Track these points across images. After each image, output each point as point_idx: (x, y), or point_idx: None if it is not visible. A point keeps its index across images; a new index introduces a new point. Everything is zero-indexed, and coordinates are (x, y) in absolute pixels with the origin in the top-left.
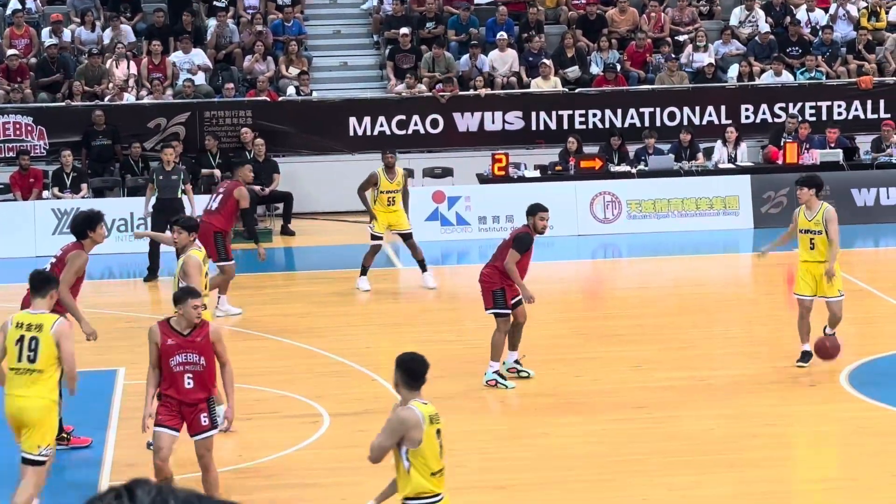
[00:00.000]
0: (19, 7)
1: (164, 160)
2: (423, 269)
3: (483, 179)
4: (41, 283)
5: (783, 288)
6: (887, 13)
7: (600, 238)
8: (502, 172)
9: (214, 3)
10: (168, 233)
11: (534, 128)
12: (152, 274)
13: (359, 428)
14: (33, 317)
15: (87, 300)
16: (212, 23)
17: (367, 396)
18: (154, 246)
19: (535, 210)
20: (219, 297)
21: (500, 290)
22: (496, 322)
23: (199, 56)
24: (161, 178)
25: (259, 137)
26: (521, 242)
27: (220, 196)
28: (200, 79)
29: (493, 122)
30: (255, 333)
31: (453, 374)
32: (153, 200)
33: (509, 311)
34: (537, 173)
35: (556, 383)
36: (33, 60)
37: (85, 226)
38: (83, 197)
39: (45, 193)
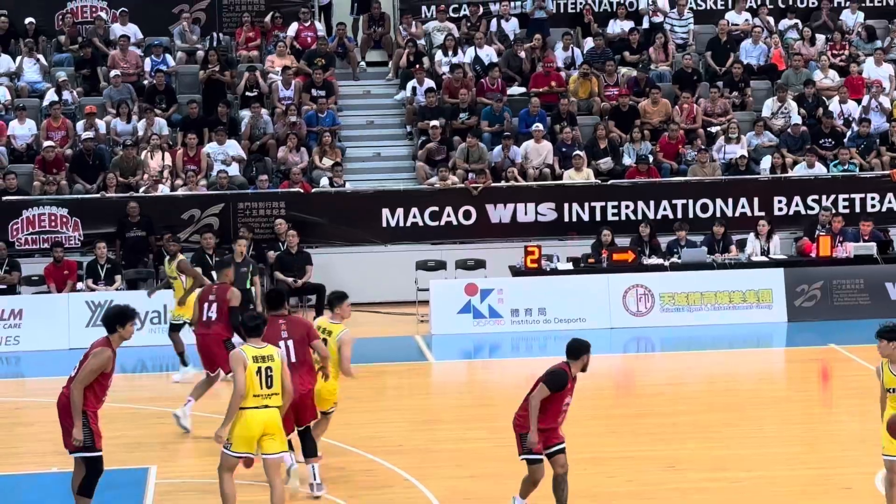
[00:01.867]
0: (56, 99)
1: (237, 251)
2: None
3: (515, 272)
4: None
5: (817, 385)
6: None
7: (633, 331)
8: (535, 265)
9: (248, 94)
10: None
11: (566, 219)
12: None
13: None
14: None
15: (119, 394)
16: (245, 114)
17: (399, 497)
18: None
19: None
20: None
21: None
22: (528, 469)
23: (233, 147)
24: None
25: (292, 229)
26: (556, 379)
27: (215, 304)
28: (234, 170)
29: (525, 214)
30: None
31: (484, 474)
32: None
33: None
34: (570, 265)
35: (590, 483)
36: (69, 152)
37: (116, 321)
38: (117, 289)
39: (80, 285)
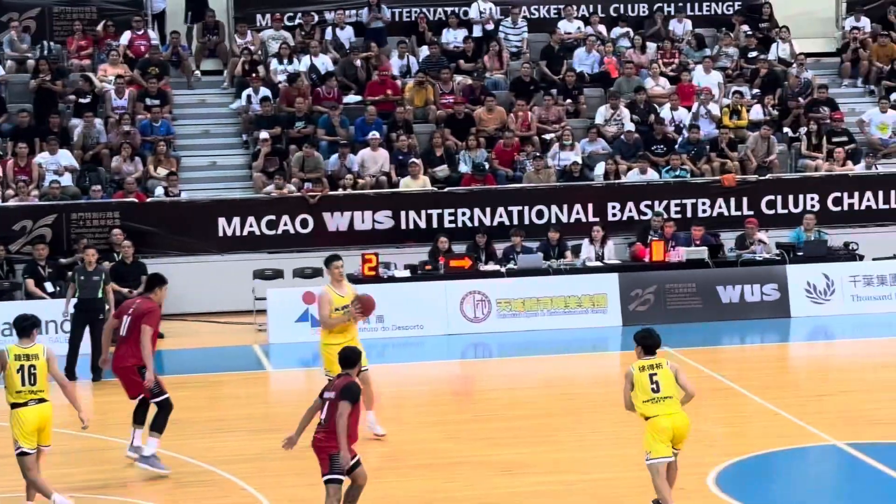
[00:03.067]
0: None
1: (86, 261)
2: None
3: (353, 279)
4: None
5: None
6: (748, 112)
7: (471, 337)
8: (372, 272)
9: (80, 101)
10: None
11: (403, 227)
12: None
13: None
14: None
15: None
16: (78, 123)
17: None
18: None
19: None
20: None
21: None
22: (327, 489)
23: (65, 157)
24: (83, 278)
25: (127, 239)
26: (354, 391)
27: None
28: (67, 180)
29: (362, 222)
30: (116, 440)
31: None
32: (74, 300)
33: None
34: (407, 273)
35: (427, 488)
36: None
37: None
38: None
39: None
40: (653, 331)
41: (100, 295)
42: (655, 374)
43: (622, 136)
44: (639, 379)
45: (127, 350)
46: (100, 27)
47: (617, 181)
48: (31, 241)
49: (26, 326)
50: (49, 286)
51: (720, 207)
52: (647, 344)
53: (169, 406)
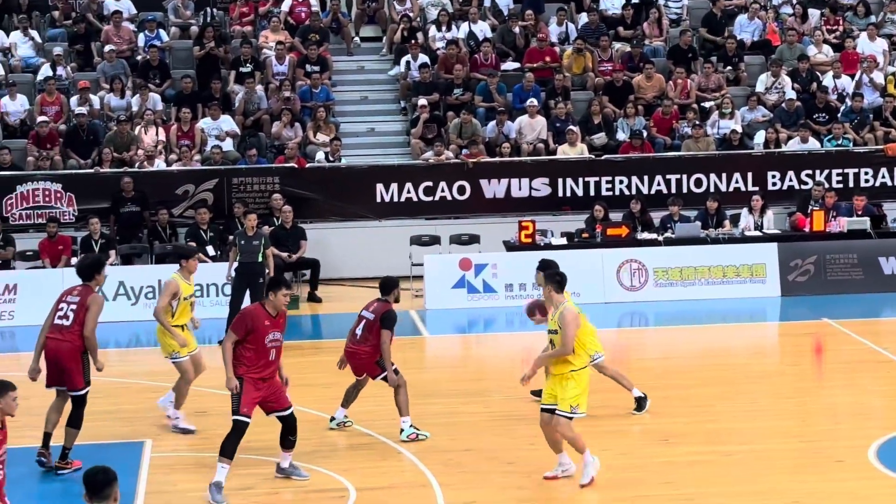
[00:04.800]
0: (50, 74)
1: (247, 226)
2: None
3: (510, 247)
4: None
5: (810, 359)
6: None
7: (626, 306)
8: (529, 240)
9: (242, 69)
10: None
11: (560, 194)
12: None
13: (385, 502)
14: None
15: (113, 369)
16: (239, 89)
17: (394, 470)
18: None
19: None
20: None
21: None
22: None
23: (227, 122)
24: (243, 242)
25: (287, 204)
26: (392, 318)
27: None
28: (228, 145)
29: (519, 189)
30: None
31: (478, 448)
32: (235, 264)
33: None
34: (564, 240)
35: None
36: (63, 127)
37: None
38: (111, 264)
39: (73, 260)
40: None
41: (260, 259)
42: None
43: (783, 104)
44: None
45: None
46: None
47: (777, 150)
48: (193, 205)
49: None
50: (210, 250)
51: (883, 177)
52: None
53: (241, 430)
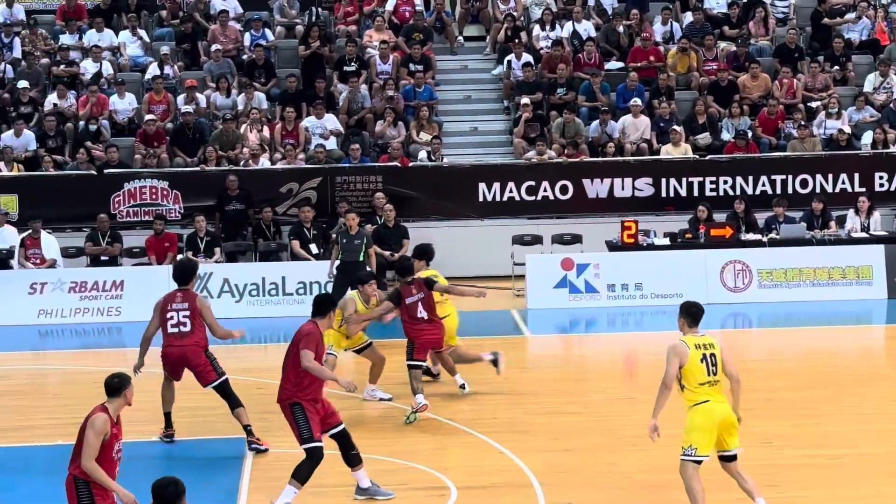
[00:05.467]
0: (158, 73)
1: (349, 224)
2: None
3: (612, 247)
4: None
5: None
6: None
7: (730, 307)
8: (631, 240)
9: (346, 69)
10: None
11: (664, 194)
12: None
13: (486, 501)
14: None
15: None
16: (343, 88)
17: (493, 469)
18: None
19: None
20: None
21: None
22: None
23: (331, 121)
24: (345, 241)
25: (389, 203)
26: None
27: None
28: (332, 144)
29: (622, 189)
30: (383, 404)
31: (579, 448)
32: (337, 262)
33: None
34: (667, 241)
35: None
36: (169, 125)
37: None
38: (216, 261)
39: (179, 257)
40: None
41: (361, 258)
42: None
43: (891, 104)
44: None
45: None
46: None
47: (885, 150)
48: (297, 203)
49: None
50: (314, 248)
51: None
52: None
53: (319, 456)
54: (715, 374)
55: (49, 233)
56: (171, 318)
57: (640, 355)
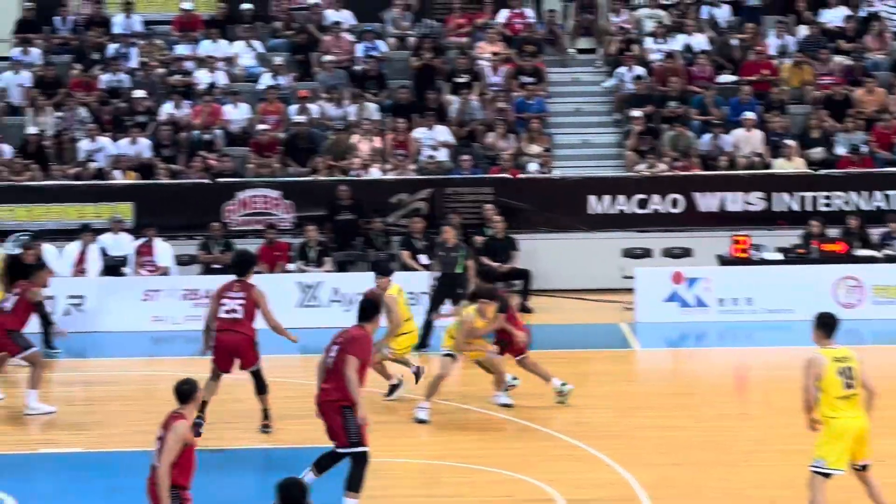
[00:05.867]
0: (271, 83)
1: (446, 237)
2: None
3: (723, 261)
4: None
5: None
6: None
7: (842, 323)
8: (743, 254)
9: (457, 80)
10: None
11: (776, 209)
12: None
13: None
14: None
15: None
16: (455, 99)
17: (602, 482)
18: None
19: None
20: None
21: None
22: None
23: (442, 132)
24: (442, 253)
25: (499, 214)
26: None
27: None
28: (443, 155)
29: (734, 203)
30: (489, 413)
31: (688, 462)
32: (437, 274)
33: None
34: (779, 256)
35: (797, 474)
36: (282, 135)
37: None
38: (326, 271)
39: (290, 266)
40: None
41: (459, 270)
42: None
43: None
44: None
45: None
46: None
47: None
48: (407, 213)
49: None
50: (423, 258)
51: None
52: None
53: (366, 460)
54: (852, 388)
55: (163, 241)
56: (224, 304)
57: (751, 370)
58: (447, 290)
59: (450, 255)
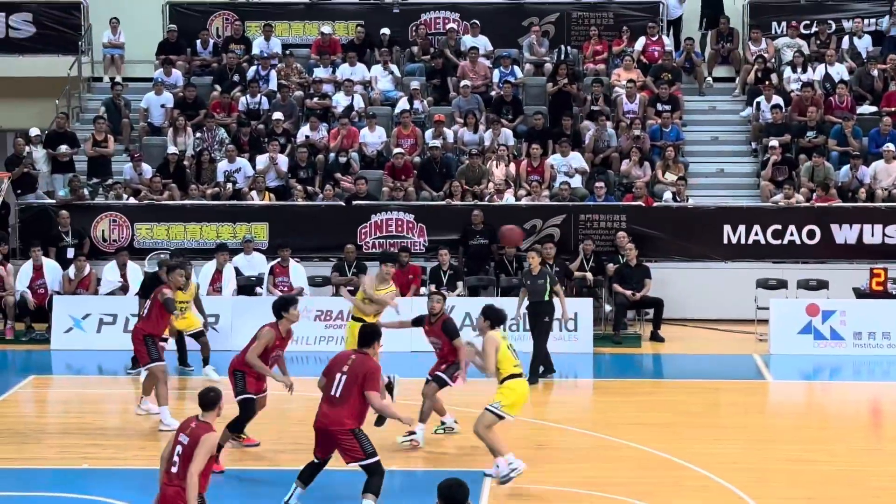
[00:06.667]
0: (407, 107)
1: (532, 265)
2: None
3: (860, 294)
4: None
5: None
6: None
7: None
8: (880, 287)
9: (593, 107)
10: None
11: None
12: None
13: None
14: None
15: (455, 398)
16: (590, 126)
17: None
18: None
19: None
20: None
21: None
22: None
23: (576, 159)
24: (528, 282)
25: (631, 242)
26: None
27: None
28: (577, 181)
29: (872, 235)
30: (616, 441)
31: (822, 497)
32: (525, 302)
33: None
34: None
35: None
36: (417, 159)
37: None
38: (458, 295)
39: (423, 290)
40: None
41: (546, 297)
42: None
43: None
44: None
45: (347, 410)
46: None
47: None
48: (540, 240)
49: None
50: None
51: None
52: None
53: (381, 471)
54: None
55: (297, 261)
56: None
57: (886, 405)
58: (534, 319)
59: (536, 283)
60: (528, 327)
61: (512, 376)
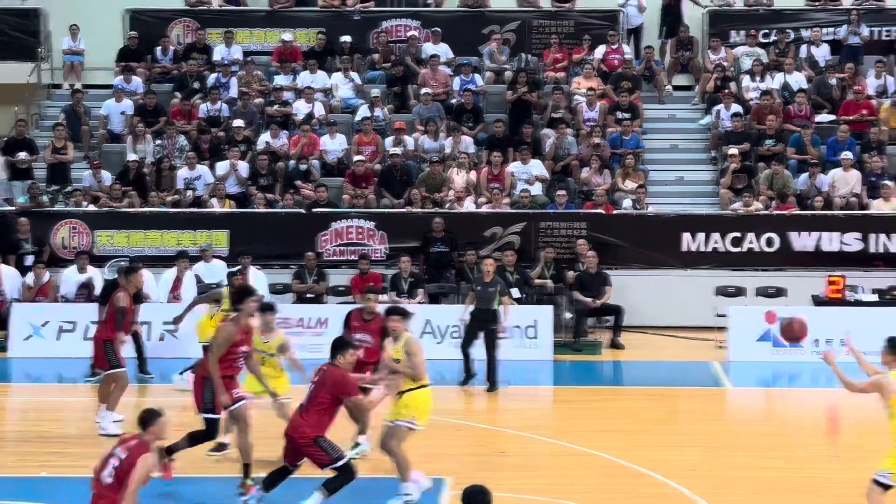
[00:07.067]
0: (368, 115)
1: (484, 271)
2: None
3: (818, 301)
4: None
5: None
6: None
7: None
8: (838, 295)
9: (553, 115)
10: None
11: (872, 250)
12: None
13: None
14: None
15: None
16: (550, 134)
17: None
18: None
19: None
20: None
21: None
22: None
23: (537, 167)
24: (479, 288)
25: (591, 249)
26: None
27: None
28: (537, 189)
29: (830, 243)
30: (576, 448)
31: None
32: (471, 308)
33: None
34: (874, 297)
35: None
36: (378, 167)
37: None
38: (419, 302)
39: (383, 297)
40: None
41: (495, 306)
42: None
43: None
44: None
45: (308, 419)
46: (584, 44)
47: None
48: (500, 247)
49: None
50: (515, 292)
51: None
52: None
53: (351, 473)
54: None
55: (257, 269)
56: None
57: (845, 412)
58: (481, 325)
59: (486, 290)
60: (462, 332)
61: (421, 387)
